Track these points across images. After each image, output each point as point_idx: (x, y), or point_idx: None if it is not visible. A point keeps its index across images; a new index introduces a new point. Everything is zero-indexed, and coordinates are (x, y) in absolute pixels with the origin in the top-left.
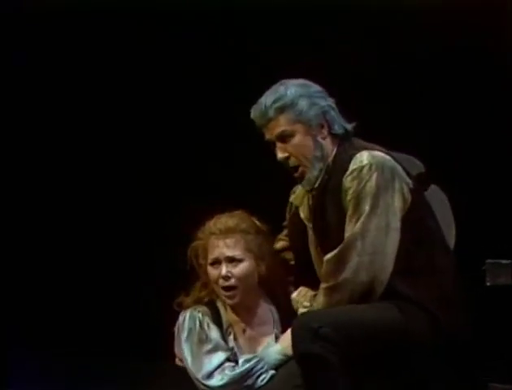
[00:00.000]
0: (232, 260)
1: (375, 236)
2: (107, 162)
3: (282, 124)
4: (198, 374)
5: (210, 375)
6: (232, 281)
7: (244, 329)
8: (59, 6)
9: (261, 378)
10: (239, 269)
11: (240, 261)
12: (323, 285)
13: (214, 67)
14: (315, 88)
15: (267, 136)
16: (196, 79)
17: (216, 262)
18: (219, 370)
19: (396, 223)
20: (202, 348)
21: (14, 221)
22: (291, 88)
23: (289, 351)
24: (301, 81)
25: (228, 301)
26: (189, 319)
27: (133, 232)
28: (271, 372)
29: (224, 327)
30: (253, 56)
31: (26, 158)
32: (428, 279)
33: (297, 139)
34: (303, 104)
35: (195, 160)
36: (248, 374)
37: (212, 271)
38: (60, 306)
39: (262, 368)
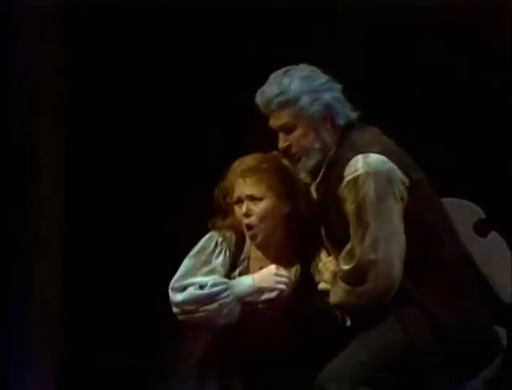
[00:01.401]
0: (252, 198)
1: (385, 244)
2: (107, 161)
3: (284, 117)
4: (174, 284)
5: (180, 288)
6: (253, 219)
7: (261, 267)
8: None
9: (223, 306)
10: (259, 207)
11: (260, 199)
12: (342, 283)
13: (215, 67)
14: (320, 79)
15: (270, 124)
16: (195, 79)
17: (239, 201)
18: (191, 286)
19: (400, 227)
20: (200, 269)
21: None
22: (295, 83)
23: (260, 284)
24: (306, 72)
25: (252, 242)
26: (208, 239)
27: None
28: (235, 303)
29: (242, 257)
30: (255, 56)
31: None
32: (432, 275)
33: (298, 132)
34: (305, 100)
35: (195, 160)
36: (211, 297)
37: (237, 211)
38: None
39: (227, 296)
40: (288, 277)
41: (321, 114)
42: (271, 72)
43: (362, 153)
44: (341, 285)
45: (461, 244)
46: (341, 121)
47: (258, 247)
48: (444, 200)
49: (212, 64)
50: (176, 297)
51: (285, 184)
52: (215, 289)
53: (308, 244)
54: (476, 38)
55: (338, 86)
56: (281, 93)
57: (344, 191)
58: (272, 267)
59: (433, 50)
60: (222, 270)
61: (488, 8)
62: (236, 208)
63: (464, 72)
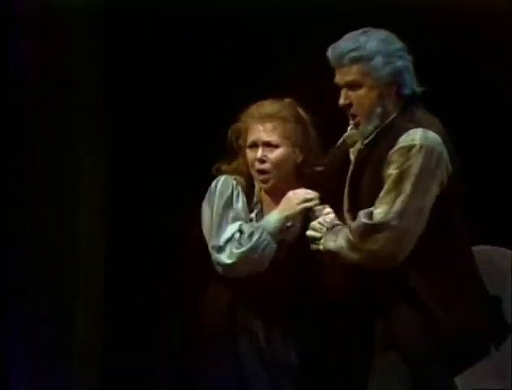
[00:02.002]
0: (268, 144)
1: (410, 217)
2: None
3: (353, 73)
4: (211, 242)
5: (220, 249)
6: (267, 165)
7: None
8: None
9: (267, 249)
10: (274, 154)
11: (276, 146)
12: (349, 235)
13: (217, 67)
14: (396, 45)
15: (336, 80)
16: (196, 79)
17: (254, 146)
18: (229, 244)
19: (428, 208)
20: (225, 215)
21: None
22: (372, 42)
23: (286, 214)
24: (384, 35)
25: (262, 185)
26: (223, 184)
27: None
28: (272, 243)
29: (254, 200)
30: (256, 57)
31: None
32: (438, 270)
33: (363, 91)
34: (379, 61)
35: (195, 160)
36: (254, 249)
37: (249, 154)
38: None
39: (265, 240)
40: (307, 192)
41: (390, 78)
42: (273, 73)
43: (423, 128)
44: (347, 236)
45: (472, 255)
46: (406, 91)
47: (268, 192)
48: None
49: (215, 64)
50: (222, 259)
51: (300, 135)
52: (255, 238)
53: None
54: (476, 38)
55: (410, 57)
56: (356, 49)
57: (394, 156)
58: (290, 194)
59: (433, 51)
60: (243, 215)
61: (489, 9)
62: (248, 151)
63: (464, 72)
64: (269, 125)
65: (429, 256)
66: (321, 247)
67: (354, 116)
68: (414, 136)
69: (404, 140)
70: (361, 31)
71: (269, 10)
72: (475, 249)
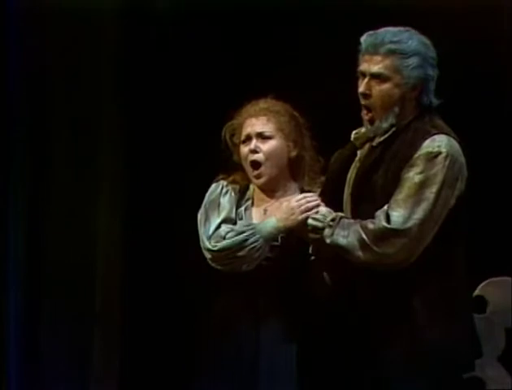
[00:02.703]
0: (261, 136)
1: (428, 226)
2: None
3: (384, 66)
4: (201, 230)
5: (209, 237)
6: (260, 156)
7: (265, 210)
8: None
9: (254, 249)
10: (268, 145)
11: (269, 137)
12: (363, 234)
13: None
14: (432, 52)
15: (363, 67)
16: (198, 80)
17: (247, 139)
18: (215, 233)
19: (442, 218)
20: (212, 210)
21: None
22: (414, 40)
23: (286, 224)
24: (424, 39)
25: (256, 181)
26: (214, 186)
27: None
28: (264, 245)
29: (245, 197)
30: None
31: None
32: (434, 282)
33: (388, 85)
34: (414, 62)
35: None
36: (241, 244)
37: (243, 148)
38: None
39: (256, 241)
40: (309, 200)
41: (416, 82)
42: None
43: (447, 135)
44: (359, 235)
45: (464, 270)
46: (426, 100)
47: (263, 188)
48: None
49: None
50: (207, 245)
51: (294, 129)
52: (243, 236)
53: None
54: (476, 38)
55: (436, 69)
56: (398, 42)
57: (418, 160)
58: (292, 203)
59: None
60: (228, 206)
61: (489, 8)
62: (242, 147)
63: (464, 72)
64: (263, 118)
65: (426, 266)
66: (328, 240)
67: (368, 109)
68: (441, 142)
69: (430, 144)
70: (403, 28)
71: (275, 15)
72: None
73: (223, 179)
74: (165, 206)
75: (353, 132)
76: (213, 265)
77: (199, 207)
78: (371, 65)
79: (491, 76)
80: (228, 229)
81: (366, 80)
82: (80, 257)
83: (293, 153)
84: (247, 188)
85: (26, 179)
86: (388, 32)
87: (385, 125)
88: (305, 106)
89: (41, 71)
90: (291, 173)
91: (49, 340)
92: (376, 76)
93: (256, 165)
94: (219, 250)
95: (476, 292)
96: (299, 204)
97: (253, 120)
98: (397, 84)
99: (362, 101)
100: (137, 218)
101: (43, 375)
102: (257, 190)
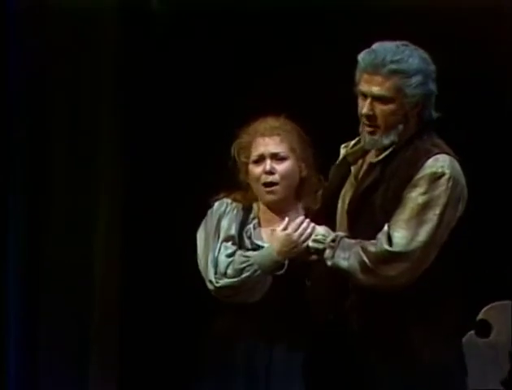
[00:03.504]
0: (276, 156)
1: (431, 249)
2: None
3: (386, 87)
4: (204, 260)
5: (212, 266)
6: (276, 177)
7: (273, 230)
8: None
9: (257, 283)
10: (283, 166)
11: (284, 158)
12: (364, 257)
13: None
14: (432, 66)
15: (364, 88)
16: (197, 80)
17: (260, 159)
18: (217, 262)
19: (442, 241)
20: (214, 233)
21: None
22: (415, 58)
23: (284, 256)
24: (423, 54)
25: (268, 197)
26: (217, 205)
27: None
28: (267, 276)
29: (250, 217)
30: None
31: None
32: (431, 297)
33: (391, 107)
34: (417, 80)
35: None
36: (243, 282)
37: (255, 169)
38: None
39: (257, 275)
40: (306, 226)
41: (419, 99)
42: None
43: (448, 154)
44: (360, 257)
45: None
46: (427, 115)
47: (271, 207)
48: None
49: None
50: (212, 278)
51: (303, 148)
52: (244, 276)
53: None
54: (476, 38)
55: (435, 83)
56: (399, 61)
57: (422, 180)
58: (292, 233)
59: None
60: (229, 224)
61: (488, 8)
62: (253, 167)
63: (464, 72)
64: (276, 138)
65: (423, 287)
66: (329, 262)
67: (371, 126)
68: (444, 163)
69: (434, 164)
70: (400, 43)
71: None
72: None
73: (225, 197)
74: (164, 208)
75: (342, 146)
76: (217, 296)
77: (200, 211)
78: (373, 86)
79: (491, 77)
80: (229, 261)
81: (368, 100)
82: (79, 258)
83: (304, 174)
84: (250, 207)
85: (26, 179)
86: (387, 51)
87: (386, 141)
88: (305, 118)
89: (41, 71)
90: (297, 192)
91: (48, 339)
92: (379, 98)
93: (271, 185)
94: (220, 288)
95: (480, 316)
96: (299, 233)
97: (267, 140)
98: (401, 103)
99: (365, 121)
100: (136, 218)
101: (40, 376)
102: (262, 209)
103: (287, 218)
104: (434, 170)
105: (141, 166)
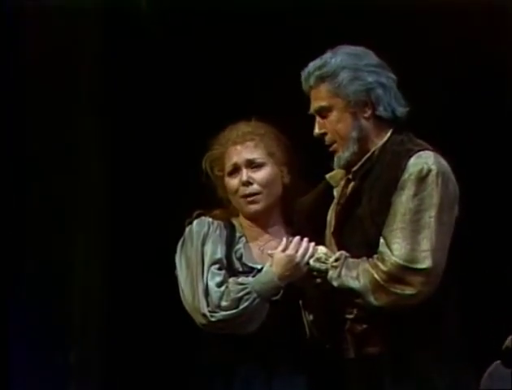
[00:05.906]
0: (252, 164)
1: (440, 256)
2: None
3: (322, 97)
4: (192, 301)
5: (203, 302)
6: (254, 187)
7: (262, 249)
8: None
9: (255, 312)
10: (261, 173)
11: (261, 165)
12: (375, 275)
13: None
14: (369, 60)
15: (310, 109)
16: (183, 79)
17: (235, 170)
18: (208, 292)
19: (448, 241)
20: (206, 259)
21: None
22: (337, 57)
23: (288, 280)
24: (354, 50)
25: (250, 208)
26: (196, 224)
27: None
28: (263, 304)
29: (237, 234)
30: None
31: None
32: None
33: (334, 115)
34: (344, 76)
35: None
36: (240, 313)
37: (231, 181)
38: None
39: (256, 304)
40: (306, 246)
41: (360, 96)
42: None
43: (431, 151)
44: (371, 276)
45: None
46: (383, 112)
47: (254, 219)
48: None
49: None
50: (203, 313)
51: (284, 152)
52: (242, 307)
53: (302, 228)
54: (476, 38)
55: (391, 75)
56: (321, 67)
57: (408, 182)
58: (289, 252)
59: (433, 52)
60: (214, 247)
61: (488, 8)
62: (229, 179)
63: (464, 72)
64: (250, 143)
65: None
66: (335, 283)
67: (331, 145)
68: (427, 159)
69: (417, 162)
70: (329, 50)
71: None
72: None
73: (203, 214)
74: (149, 208)
75: (327, 175)
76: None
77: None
78: (312, 103)
79: (491, 77)
80: (221, 291)
81: (316, 120)
82: (59, 267)
83: (287, 180)
84: (232, 224)
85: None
86: (314, 62)
87: (347, 154)
88: (292, 123)
89: (25, 71)
90: (282, 202)
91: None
92: (320, 111)
93: (250, 195)
94: (215, 322)
95: (506, 344)
96: (301, 254)
97: (239, 147)
98: (342, 108)
99: (324, 142)
100: (121, 216)
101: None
102: (246, 225)
103: (284, 239)
104: (419, 167)
105: (126, 163)
